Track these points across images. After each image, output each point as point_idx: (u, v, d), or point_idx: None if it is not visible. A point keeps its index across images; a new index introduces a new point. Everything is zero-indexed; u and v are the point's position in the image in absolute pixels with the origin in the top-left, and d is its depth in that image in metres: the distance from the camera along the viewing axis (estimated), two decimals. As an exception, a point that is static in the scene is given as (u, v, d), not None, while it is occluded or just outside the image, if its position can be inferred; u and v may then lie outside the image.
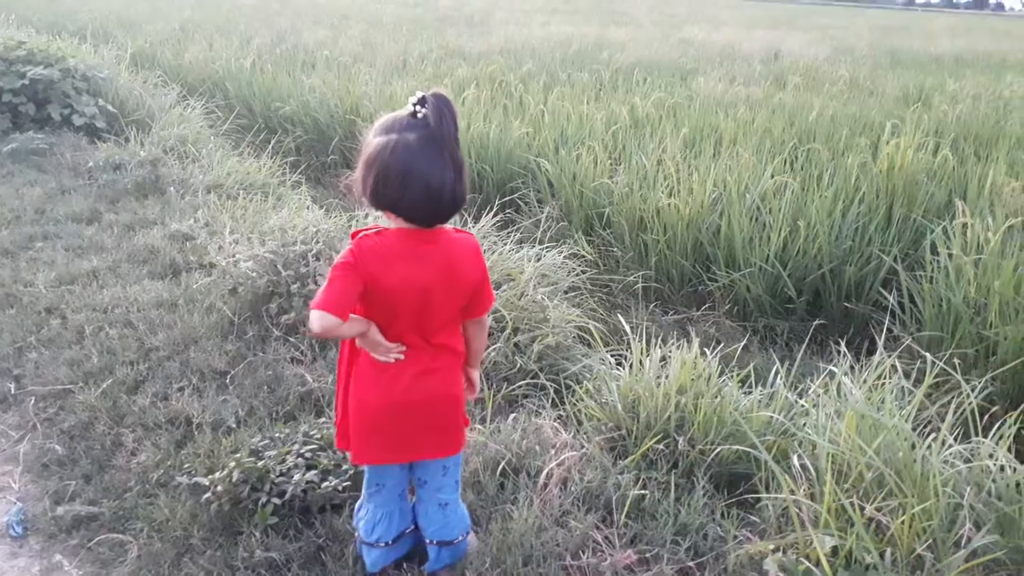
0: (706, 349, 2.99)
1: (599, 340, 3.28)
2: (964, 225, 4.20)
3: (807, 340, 3.72)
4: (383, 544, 2.07)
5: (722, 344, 3.23)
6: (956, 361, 3.11)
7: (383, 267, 1.71)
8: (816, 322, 4.40)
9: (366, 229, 1.79)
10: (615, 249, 5.04)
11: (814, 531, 2.02)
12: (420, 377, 1.86)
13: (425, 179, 1.65)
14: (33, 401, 3.02)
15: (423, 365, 1.86)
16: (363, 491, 2.07)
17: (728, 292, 4.60)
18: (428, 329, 1.86)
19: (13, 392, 3.09)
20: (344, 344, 1.93)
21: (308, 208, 4.27)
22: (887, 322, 3.68)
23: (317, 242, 3.54)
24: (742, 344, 3.55)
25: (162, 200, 5.15)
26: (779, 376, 2.88)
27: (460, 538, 2.11)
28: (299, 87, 8.66)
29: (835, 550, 2.06)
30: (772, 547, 2.10)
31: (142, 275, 4.05)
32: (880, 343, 3.08)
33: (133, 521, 2.41)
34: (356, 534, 2.11)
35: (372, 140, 1.70)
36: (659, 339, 3.11)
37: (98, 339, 3.38)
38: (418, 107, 1.66)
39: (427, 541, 2.09)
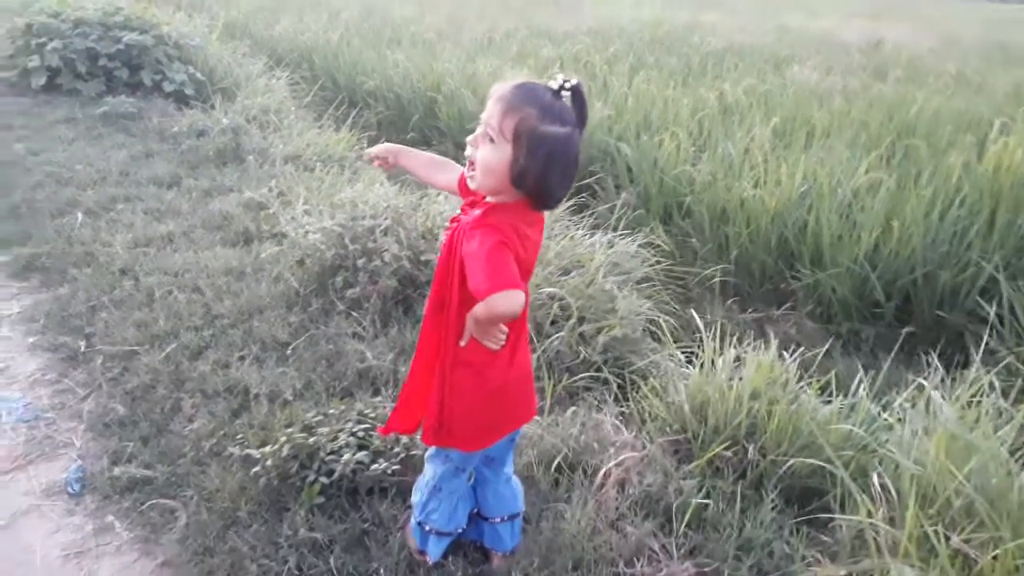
0: (784, 351, 2.81)
1: (669, 335, 3.12)
2: (1077, 234, 3.88)
3: (896, 348, 3.48)
4: (460, 530, 2.05)
5: (802, 347, 3.04)
6: (1061, 382, 2.85)
7: (520, 242, 1.67)
8: (905, 330, 4.14)
9: (484, 208, 1.71)
10: (693, 240, 4.84)
11: (892, 560, 1.85)
12: (522, 349, 1.87)
13: (578, 171, 1.66)
14: (101, 360, 3.06)
15: (522, 338, 1.86)
16: (431, 482, 1.99)
17: (812, 292, 4.37)
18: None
19: (83, 350, 3.14)
20: (441, 339, 1.83)
21: (381, 184, 4.22)
22: (985, 335, 3.42)
23: (386, 218, 3.48)
24: (824, 349, 3.33)
25: (241, 168, 5.20)
26: (862, 385, 2.69)
27: (523, 507, 2.12)
28: (384, 62, 8.66)
29: (914, 582, 1.89)
30: (843, 573, 1.94)
31: (214, 241, 4.08)
32: (977, 357, 2.83)
33: (184, 488, 2.40)
34: (423, 527, 2.03)
35: (543, 129, 1.56)
36: (735, 338, 2.93)
37: (166, 302, 3.41)
38: (564, 90, 1.60)
39: (496, 520, 2.06)
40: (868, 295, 4.22)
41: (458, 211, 1.83)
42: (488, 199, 1.73)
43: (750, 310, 4.44)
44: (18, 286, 3.70)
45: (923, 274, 4.18)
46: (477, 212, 1.71)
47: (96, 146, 5.62)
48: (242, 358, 3.01)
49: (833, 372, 2.86)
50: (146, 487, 2.43)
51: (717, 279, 4.47)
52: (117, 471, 2.48)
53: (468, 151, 1.67)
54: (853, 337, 4.18)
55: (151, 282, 3.57)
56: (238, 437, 2.51)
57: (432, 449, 1.97)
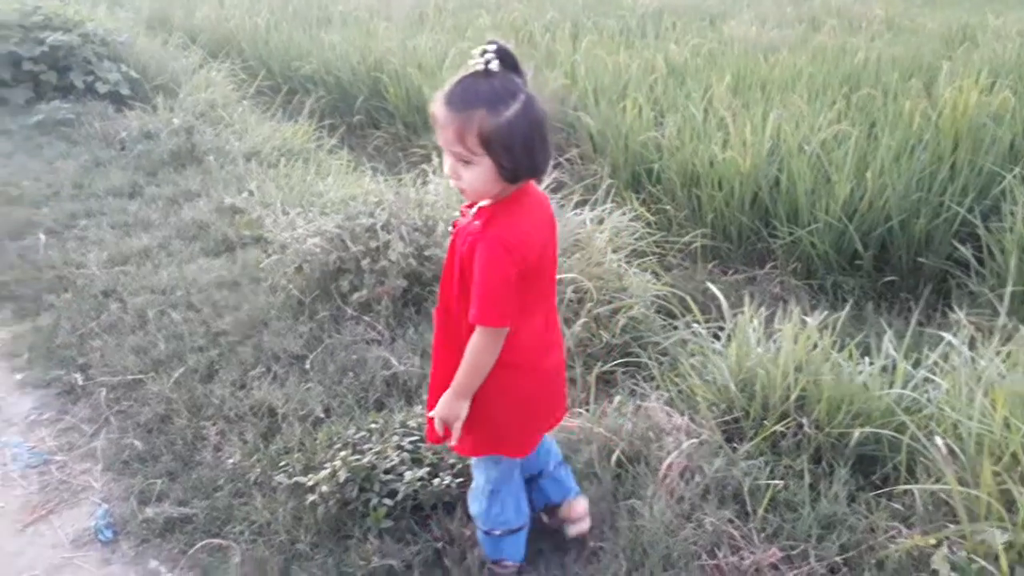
0: (807, 318, 2.80)
1: (693, 310, 3.08)
2: (1046, 172, 4.00)
3: (875, 298, 3.51)
4: (528, 520, 2.01)
5: (798, 306, 3.03)
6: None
7: (529, 248, 1.62)
8: (886, 278, 4.22)
9: (483, 216, 1.64)
10: (667, 207, 4.81)
11: (986, 524, 1.87)
12: (557, 347, 1.87)
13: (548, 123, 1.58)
14: (104, 393, 2.87)
15: (552, 332, 1.85)
16: (487, 487, 1.91)
17: (792, 249, 4.40)
18: (553, 291, 1.82)
19: (81, 383, 2.95)
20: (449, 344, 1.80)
21: (366, 176, 4.06)
22: (970, 277, 3.49)
23: (383, 212, 3.34)
24: (843, 313, 3.33)
25: (201, 169, 4.94)
26: (889, 344, 2.70)
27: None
28: (318, 45, 8.37)
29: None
30: (933, 542, 1.95)
31: (195, 252, 3.87)
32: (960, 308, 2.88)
33: (231, 524, 2.27)
34: (491, 534, 1.95)
35: (503, 120, 1.49)
36: (754, 307, 2.91)
37: (162, 323, 3.22)
38: (491, 64, 1.51)
39: (550, 468, 2.09)
40: (846, 247, 4.27)
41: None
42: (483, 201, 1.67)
43: (732, 272, 4.46)
44: (-11, 319, 3.45)
45: (899, 222, 4.24)
46: (476, 222, 1.64)
47: (38, 158, 5.26)
48: (259, 376, 2.86)
49: (863, 335, 2.87)
50: (187, 526, 2.29)
51: (697, 243, 4.46)
52: (150, 512, 2.33)
53: (452, 183, 1.62)
54: (837, 290, 4.23)
55: (140, 303, 3.36)
56: (281, 464, 2.38)
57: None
